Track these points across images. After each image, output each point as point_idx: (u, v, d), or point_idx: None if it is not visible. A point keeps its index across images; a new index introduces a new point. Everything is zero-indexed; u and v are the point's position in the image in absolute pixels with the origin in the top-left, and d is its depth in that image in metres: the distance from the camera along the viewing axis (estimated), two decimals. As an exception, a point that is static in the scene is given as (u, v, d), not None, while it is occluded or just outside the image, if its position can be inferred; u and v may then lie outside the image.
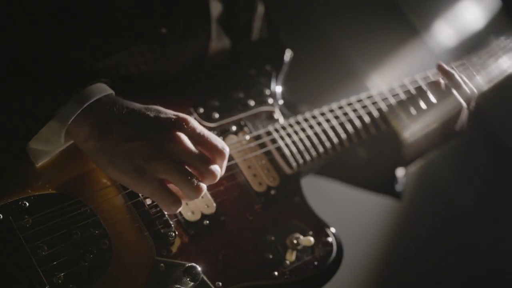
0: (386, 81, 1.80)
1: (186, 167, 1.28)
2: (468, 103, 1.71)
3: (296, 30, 2.78)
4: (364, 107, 1.71)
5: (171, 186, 1.30)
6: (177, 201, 1.28)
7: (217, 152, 1.31)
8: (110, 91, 1.32)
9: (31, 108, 1.28)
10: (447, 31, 2.88)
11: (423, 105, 1.72)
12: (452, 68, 1.78)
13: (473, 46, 1.92)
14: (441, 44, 2.86)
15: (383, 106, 1.72)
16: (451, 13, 2.90)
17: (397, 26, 2.88)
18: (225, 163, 1.34)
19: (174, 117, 1.29)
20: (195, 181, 1.27)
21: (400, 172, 1.97)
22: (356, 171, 1.97)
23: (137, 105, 1.31)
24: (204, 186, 1.29)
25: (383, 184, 1.97)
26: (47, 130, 1.27)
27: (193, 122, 1.30)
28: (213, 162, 1.31)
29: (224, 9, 1.78)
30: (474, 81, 1.77)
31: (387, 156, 1.88)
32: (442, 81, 1.68)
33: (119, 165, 1.25)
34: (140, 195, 1.36)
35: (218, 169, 1.31)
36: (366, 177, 2.01)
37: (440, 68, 1.72)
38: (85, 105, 1.26)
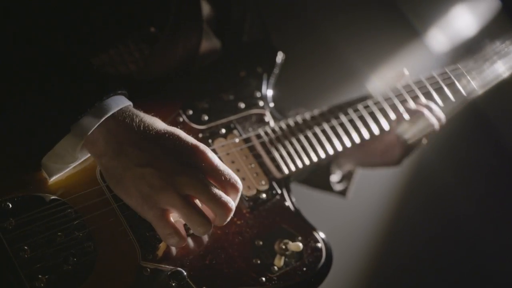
0: (385, 83, 1.78)
1: (197, 201, 1.26)
2: (437, 126, 1.71)
3: (292, 32, 2.78)
4: (356, 111, 1.70)
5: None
6: (174, 234, 1.26)
7: (230, 186, 1.29)
8: (127, 102, 1.29)
9: (45, 120, 1.23)
10: (447, 32, 2.87)
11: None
12: (446, 72, 1.78)
13: (471, 49, 1.91)
14: (440, 45, 2.86)
15: (375, 110, 1.71)
16: (451, 14, 2.90)
17: (396, 27, 2.88)
18: (237, 198, 1.32)
19: (191, 147, 1.26)
20: (201, 217, 1.25)
21: (337, 170, 1.95)
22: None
23: (157, 125, 1.27)
24: (208, 222, 1.26)
25: (326, 182, 1.95)
26: (61, 145, 1.23)
27: (211, 155, 1.27)
28: (226, 194, 1.28)
29: (215, 10, 1.76)
30: (469, 86, 1.77)
31: None
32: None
33: (127, 187, 1.24)
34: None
35: (231, 201, 1.27)
36: (315, 176, 1.98)
37: (409, 110, 1.71)
38: (102, 120, 1.23)
